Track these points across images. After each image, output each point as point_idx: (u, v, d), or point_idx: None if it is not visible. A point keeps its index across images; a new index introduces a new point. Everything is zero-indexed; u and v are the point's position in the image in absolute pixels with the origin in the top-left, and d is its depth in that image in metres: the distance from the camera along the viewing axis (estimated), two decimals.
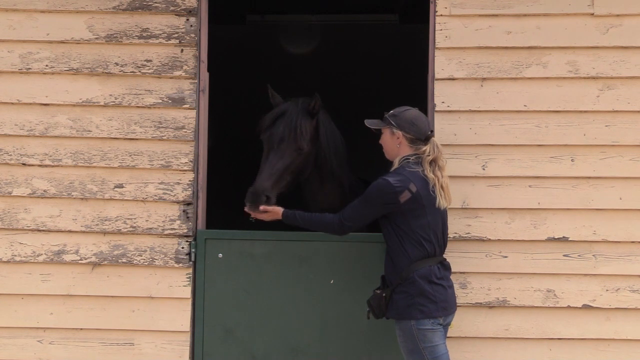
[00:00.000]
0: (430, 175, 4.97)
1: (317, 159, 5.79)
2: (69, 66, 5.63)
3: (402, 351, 4.97)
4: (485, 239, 5.50)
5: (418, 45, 6.50)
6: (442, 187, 4.99)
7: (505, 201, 5.48)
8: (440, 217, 5.01)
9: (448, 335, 5.32)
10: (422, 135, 5.03)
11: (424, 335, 4.86)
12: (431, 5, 5.63)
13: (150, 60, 5.64)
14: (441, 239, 5.03)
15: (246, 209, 5.37)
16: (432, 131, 5.11)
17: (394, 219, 4.96)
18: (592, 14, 5.53)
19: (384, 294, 4.98)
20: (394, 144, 5.08)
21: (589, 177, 5.49)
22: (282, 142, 5.61)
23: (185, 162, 5.60)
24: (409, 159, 5.02)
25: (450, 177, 5.46)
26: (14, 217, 5.60)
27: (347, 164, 6.08)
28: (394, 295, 4.94)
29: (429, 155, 5.00)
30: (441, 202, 4.99)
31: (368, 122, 5.20)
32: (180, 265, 5.56)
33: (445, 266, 5.03)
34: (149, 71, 5.63)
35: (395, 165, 5.04)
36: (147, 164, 5.60)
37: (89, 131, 5.62)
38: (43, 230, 5.59)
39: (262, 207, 5.28)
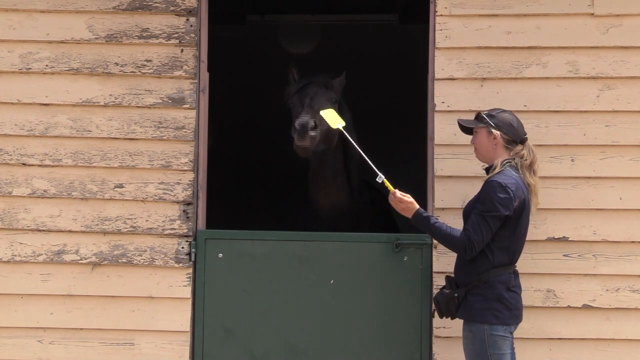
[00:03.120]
0: (530, 181, 4.85)
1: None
2: (69, 66, 5.63)
3: (465, 352, 4.84)
4: None
5: (418, 45, 6.49)
6: (535, 193, 4.89)
7: None
8: (527, 224, 4.91)
9: (449, 335, 5.34)
10: (518, 138, 4.90)
11: (495, 342, 4.72)
12: (431, 5, 5.63)
13: (150, 60, 5.63)
14: (522, 247, 4.92)
15: (297, 143, 5.60)
16: (526, 134, 4.96)
17: None
18: (592, 14, 5.53)
19: (455, 294, 4.81)
20: (490, 145, 4.91)
21: (589, 177, 5.49)
22: (314, 97, 5.84)
23: (185, 162, 5.59)
24: (510, 162, 4.87)
25: (450, 177, 5.48)
26: (14, 217, 5.60)
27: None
28: (469, 297, 4.78)
29: (526, 160, 4.88)
30: (533, 210, 4.89)
31: (462, 121, 5.06)
32: (181, 265, 5.56)
33: (517, 274, 4.92)
34: (149, 71, 5.63)
35: (498, 168, 4.83)
36: (147, 164, 5.60)
37: (89, 131, 5.62)
38: (43, 230, 5.59)
39: (398, 195, 4.89)
